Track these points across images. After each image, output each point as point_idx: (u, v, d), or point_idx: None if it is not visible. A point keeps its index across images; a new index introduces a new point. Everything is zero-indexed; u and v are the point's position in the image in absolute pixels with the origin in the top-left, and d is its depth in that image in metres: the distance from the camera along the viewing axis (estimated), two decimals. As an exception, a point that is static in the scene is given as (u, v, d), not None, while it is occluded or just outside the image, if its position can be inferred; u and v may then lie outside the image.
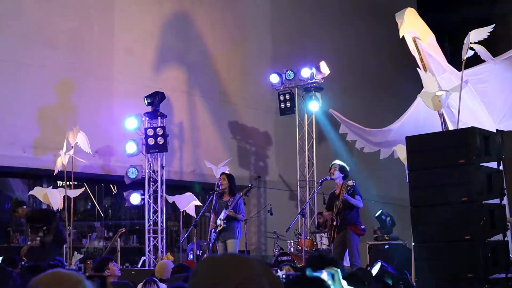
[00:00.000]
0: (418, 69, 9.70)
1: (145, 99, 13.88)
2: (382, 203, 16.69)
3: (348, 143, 14.22)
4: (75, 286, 2.55)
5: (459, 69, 9.11)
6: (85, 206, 16.81)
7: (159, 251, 13.79)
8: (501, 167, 8.19)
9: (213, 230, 11.51)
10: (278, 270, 4.06)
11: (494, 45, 9.96)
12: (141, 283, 7.40)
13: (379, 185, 18.73)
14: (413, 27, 10.22)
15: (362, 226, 10.86)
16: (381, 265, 9.56)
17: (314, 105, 14.96)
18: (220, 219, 11.34)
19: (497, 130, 10.04)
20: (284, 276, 3.40)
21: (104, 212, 16.48)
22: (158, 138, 13.64)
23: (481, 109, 10.17)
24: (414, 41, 10.19)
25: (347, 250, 10.83)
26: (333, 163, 11.25)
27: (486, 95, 10.11)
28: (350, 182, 10.62)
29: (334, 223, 10.80)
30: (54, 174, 12.47)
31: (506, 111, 10.24)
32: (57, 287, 2.51)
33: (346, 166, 11.15)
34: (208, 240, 12.00)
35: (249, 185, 12.08)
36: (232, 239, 11.36)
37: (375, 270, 9.47)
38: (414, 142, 8.47)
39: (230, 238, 11.36)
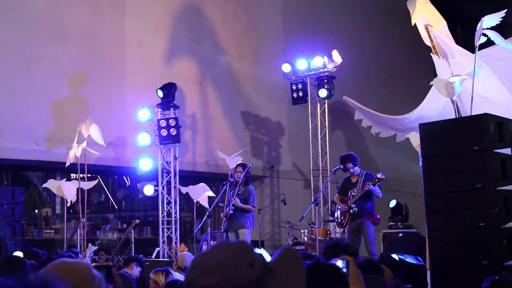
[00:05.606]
0: (431, 54, 9.61)
1: (158, 90, 13.88)
2: (395, 191, 16.63)
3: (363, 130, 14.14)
4: (83, 274, 2.57)
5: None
6: (98, 198, 16.89)
7: (173, 242, 13.81)
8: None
9: (224, 219, 11.53)
10: None
11: (506, 30, 9.84)
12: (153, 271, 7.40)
13: (392, 172, 18.68)
14: (424, 15, 10.14)
15: (377, 216, 11.25)
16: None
17: (327, 94, 14.84)
18: (229, 208, 11.38)
19: None
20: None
21: (117, 204, 16.55)
22: (171, 129, 13.65)
23: (499, 87, 10.02)
24: (426, 29, 10.11)
25: (361, 238, 11.03)
26: (342, 156, 11.40)
27: (502, 72, 9.98)
28: (379, 175, 10.75)
29: (351, 211, 11.12)
30: (66, 166, 12.48)
31: None
32: (67, 276, 2.52)
33: (354, 155, 11.38)
34: (222, 230, 12.01)
35: (249, 165, 12.14)
36: (243, 229, 11.35)
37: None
38: (428, 129, 8.41)
39: (241, 228, 11.35)
